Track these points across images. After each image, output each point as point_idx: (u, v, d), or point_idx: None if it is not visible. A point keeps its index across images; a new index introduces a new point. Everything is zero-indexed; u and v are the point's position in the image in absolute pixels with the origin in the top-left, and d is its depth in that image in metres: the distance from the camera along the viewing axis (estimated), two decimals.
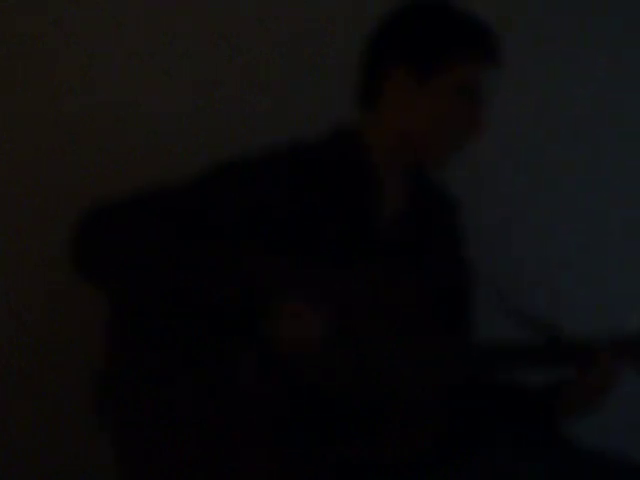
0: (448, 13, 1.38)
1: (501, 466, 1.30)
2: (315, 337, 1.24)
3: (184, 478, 1.23)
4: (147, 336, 1.26)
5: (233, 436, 1.23)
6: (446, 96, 1.36)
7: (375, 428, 1.25)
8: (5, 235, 1.60)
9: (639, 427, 1.95)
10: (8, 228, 1.59)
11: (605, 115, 1.97)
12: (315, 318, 1.24)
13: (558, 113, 1.94)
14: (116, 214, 1.27)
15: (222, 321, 1.24)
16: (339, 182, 1.37)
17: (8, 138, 1.59)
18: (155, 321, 1.26)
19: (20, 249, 1.60)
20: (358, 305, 1.29)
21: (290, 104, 1.74)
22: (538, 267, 1.95)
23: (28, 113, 1.59)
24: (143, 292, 1.25)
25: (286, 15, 1.74)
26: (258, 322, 1.23)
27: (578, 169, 1.96)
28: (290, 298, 1.24)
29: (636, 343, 1.36)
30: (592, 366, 1.31)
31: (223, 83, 1.70)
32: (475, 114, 1.37)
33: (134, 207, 1.28)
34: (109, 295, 1.28)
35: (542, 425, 1.38)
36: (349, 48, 1.47)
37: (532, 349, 1.33)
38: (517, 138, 1.91)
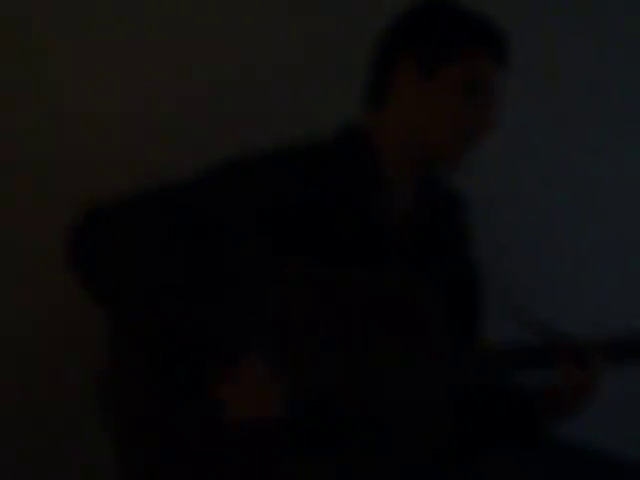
0: (459, 11, 1.39)
1: (500, 468, 1.30)
2: (265, 414, 1.22)
3: (185, 479, 1.24)
4: (148, 336, 1.26)
5: (234, 437, 1.23)
6: (454, 92, 1.35)
7: (377, 432, 1.25)
8: (6, 236, 1.60)
9: (639, 427, 1.95)
10: (8, 228, 1.60)
11: (611, 115, 1.98)
12: (268, 389, 1.23)
13: (568, 115, 1.94)
14: (114, 216, 1.26)
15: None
16: (347, 181, 1.36)
17: (8, 138, 1.59)
18: (152, 322, 1.26)
19: (21, 249, 1.61)
20: (360, 311, 1.28)
21: (295, 104, 1.74)
22: (544, 269, 1.96)
23: (27, 113, 1.60)
24: (137, 295, 1.25)
25: (292, 14, 1.75)
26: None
27: (585, 169, 1.96)
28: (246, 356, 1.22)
29: (627, 345, 1.34)
30: (583, 367, 1.29)
31: (226, 80, 1.71)
32: (483, 111, 1.36)
33: (133, 209, 1.27)
34: (106, 299, 1.28)
35: (525, 429, 1.36)
36: (356, 47, 1.47)
37: (525, 351, 1.30)
38: (527, 137, 1.91)
